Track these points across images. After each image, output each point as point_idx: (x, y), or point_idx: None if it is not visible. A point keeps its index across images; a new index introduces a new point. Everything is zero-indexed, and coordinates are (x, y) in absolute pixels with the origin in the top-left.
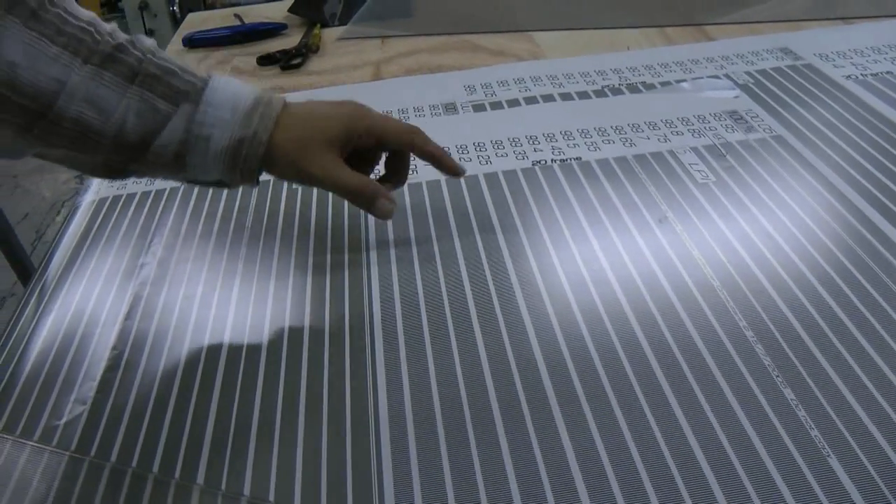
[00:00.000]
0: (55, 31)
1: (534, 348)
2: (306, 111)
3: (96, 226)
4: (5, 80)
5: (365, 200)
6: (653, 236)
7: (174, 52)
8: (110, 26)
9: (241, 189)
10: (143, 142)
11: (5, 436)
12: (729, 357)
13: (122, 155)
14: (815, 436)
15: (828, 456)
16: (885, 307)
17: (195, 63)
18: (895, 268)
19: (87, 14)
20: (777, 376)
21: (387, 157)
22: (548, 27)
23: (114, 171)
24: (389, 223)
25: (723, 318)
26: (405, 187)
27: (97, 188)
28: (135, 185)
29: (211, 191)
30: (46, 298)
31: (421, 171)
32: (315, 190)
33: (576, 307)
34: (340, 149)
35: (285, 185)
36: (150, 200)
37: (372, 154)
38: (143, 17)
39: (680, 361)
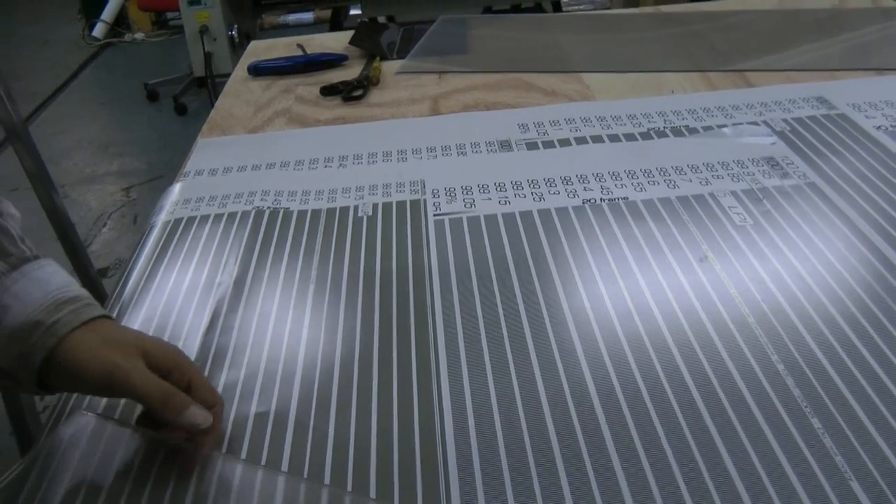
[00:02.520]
0: None
1: (585, 375)
2: (125, 329)
3: (173, 244)
4: None
5: (174, 405)
6: (694, 274)
7: (239, 79)
8: None
9: (308, 218)
10: None
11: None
12: (761, 387)
13: None
14: (839, 461)
15: (850, 480)
16: None
17: (259, 90)
18: None
19: None
20: (805, 406)
21: None
22: (597, 69)
23: None
24: (450, 253)
25: (756, 351)
26: (464, 219)
27: (171, 208)
28: (208, 207)
29: (281, 216)
30: (129, 311)
31: (479, 205)
32: (375, 213)
33: (622, 337)
34: (143, 353)
35: (351, 213)
36: (223, 222)
37: None
38: (202, 40)
39: (717, 389)
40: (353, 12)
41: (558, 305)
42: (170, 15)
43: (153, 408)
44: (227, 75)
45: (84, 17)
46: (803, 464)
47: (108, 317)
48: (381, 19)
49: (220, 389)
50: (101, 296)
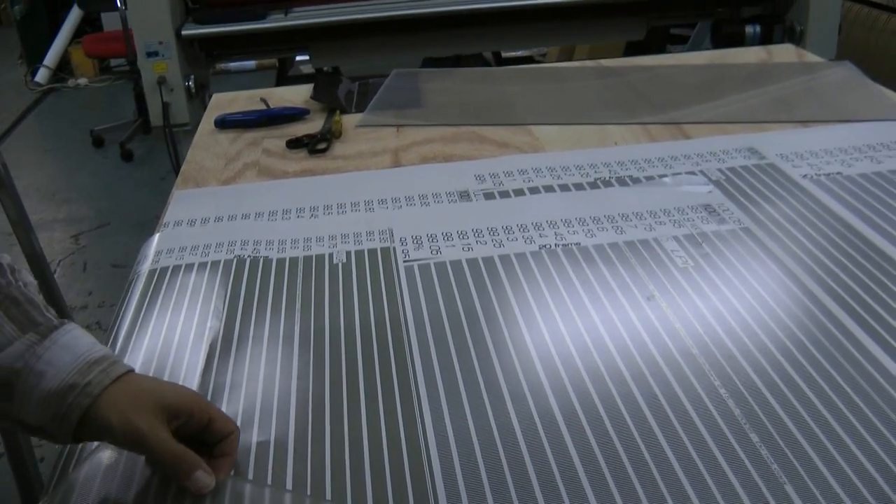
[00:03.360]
0: None
1: (552, 404)
2: (149, 380)
3: (162, 291)
4: None
5: (184, 469)
6: (642, 311)
7: (207, 132)
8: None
9: (287, 266)
10: None
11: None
12: (706, 408)
13: None
14: (775, 469)
15: (784, 484)
16: (831, 370)
17: (227, 143)
18: (839, 341)
19: None
20: (745, 423)
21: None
22: (545, 122)
23: None
24: (422, 296)
25: (701, 378)
26: (432, 264)
27: (155, 257)
28: (191, 256)
29: (261, 263)
30: (127, 354)
31: (445, 252)
32: (349, 260)
33: (582, 368)
34: (169, 420)
35: (327, 261)
36: (207, 270)
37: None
38: (161, 91)
39: (668, 411)
40: (299, 58)
41: (523, 342)
42: (113, 61)
43: (166, 470)
44: (184, 125)
45: (26, 62)
46: (744, 472)
47: (132, 370)
48: (327, 69)
49: None
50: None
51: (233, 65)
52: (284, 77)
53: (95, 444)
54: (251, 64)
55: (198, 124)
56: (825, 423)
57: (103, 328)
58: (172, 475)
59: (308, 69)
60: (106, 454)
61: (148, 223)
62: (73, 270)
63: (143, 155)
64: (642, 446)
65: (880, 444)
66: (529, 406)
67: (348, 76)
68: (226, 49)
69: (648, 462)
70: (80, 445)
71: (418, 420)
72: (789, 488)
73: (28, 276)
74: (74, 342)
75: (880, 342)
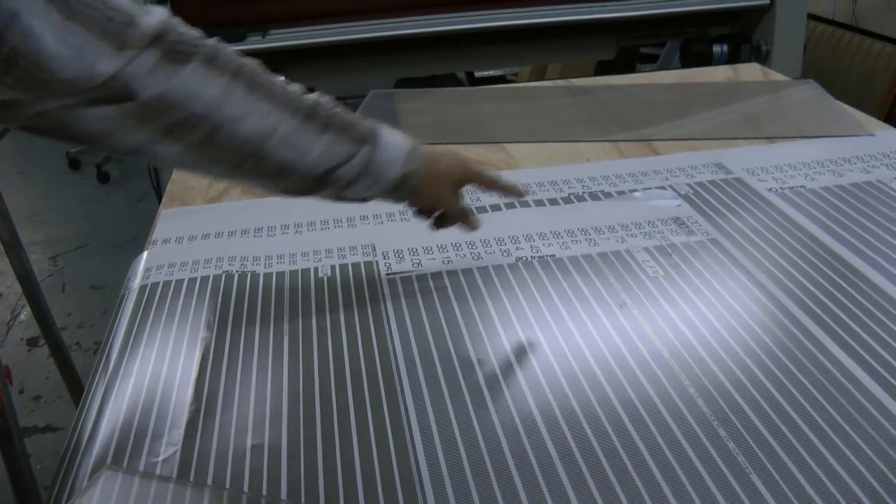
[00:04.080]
0: (266, 92)
1: (532, 407)
2: (439, 153)
3: (154, 305)
4: (227, 131)
5: (466, 216)
6: (616, 319)
7: None
8: (299, 87)
9: (274, 279)
10: (326, 173)
11: (116, 468)
12: (677, 407)
13: (304, 183)
14: (742, 460)
15: (749, 473)
16: (794, 370)
17: None
18: (802, 343)
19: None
20: (713, 420)
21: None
22: (519, 140)
23: (289, 192)
24: (405, 307)
25: (671, 379)
26: (414, 277)
27: (145, 274)
28: (180, 272)
29: (249, 278)
30: (123, 364)
31: (426, 265)
32: (334, 274)
33: (560, 374)
34: (457, 184)
35: (312, 274)
36: (197, 285)
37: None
38: None
39: (641, 412)
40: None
41: (503, 350)
42: None
43: (457, 220)
44: None
45: None
46: (713, 464)
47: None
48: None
49: (215, 429)
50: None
51: None
52: None
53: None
54: None
55: None
56: (788, 418)
57: (83, 348)
58: (462, 221)
59: None
60: (116, 478)
61: (126, 244)
62: (52, 292)
63: (120, 176)
64: (617, 444)
65: (840, 436)
66: (510, 408)
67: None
68: None
69: (623, 458)
70: (81, 448)
71: (405, 425)
72: (755, 478)
73: (324, 97)
74: (395, 143)
75: (841, 343)
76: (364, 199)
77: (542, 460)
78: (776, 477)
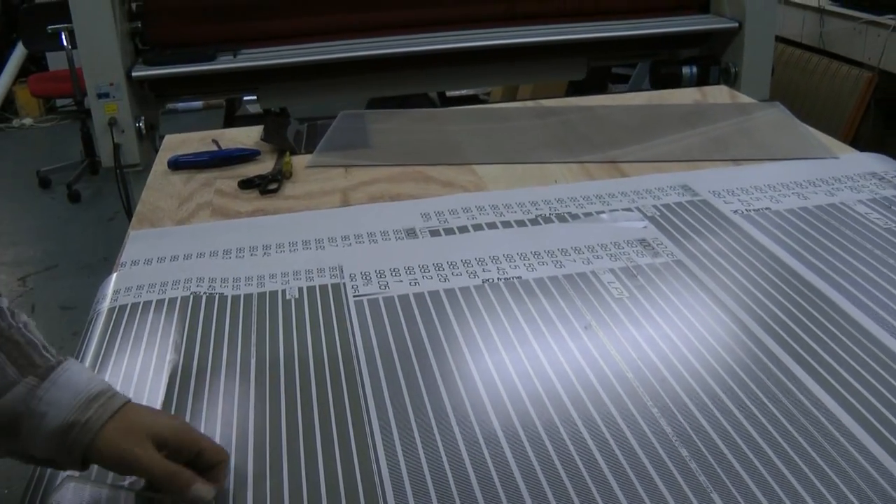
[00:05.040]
0: None
1: (494, 425)
2: (144, 411)
3: (122, 327)
4: None
5: (180, 483)
6: (580, 340)
7: (160, 173)
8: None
9: (242, 302)
10: None
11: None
12: (640, 427)
13: None
14: (703, 481)
15: (711, 492)
16: (756, 390)
17: (180, 184)
18: (764, 363)
19: None
20: (675, 440)
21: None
22: (487, 161)
23: None
24: (371, 330)
25: (634, 399)
26: (381, 299)
27: (114, 296)
28: (148, 294)
29: (217, 300)
30: None
31: (393, 287)
32: (301, 296)
33: (524, 393)
34: (159, 448)
35: (280, 297)
36: (164, 307)
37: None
38: (112, 132)
39: (603, 430)
40: (247, 98)
41: (469, 371)
42: (60, 101)
43: (161, 485)
44: (135, 165)
45: None
46: (675, 483)
47: (128, 401)
48: (275, 109)
49: None
50: None
51: (180, 104)
52: (232, 117)
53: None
54: (198, 103)
55: (148, 164)
56: (749, 437)
57: None
58: (172, 491)
59: (255, 109)
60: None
61: (96, 265)
62: None
63: (91, 196)
64: (580, 463)
65: (801, 456)
66: (475, 430)
67: (296, 117)
68: (176, 90)
69: (586, 477)
70: (48, 472)
71: (370, 445)
72: (715, 497)
73: (24, 316)
74: (73, 380)
75: (803, 364)
76: (48, 458)
77: (505, 481)
78: (737, 496)
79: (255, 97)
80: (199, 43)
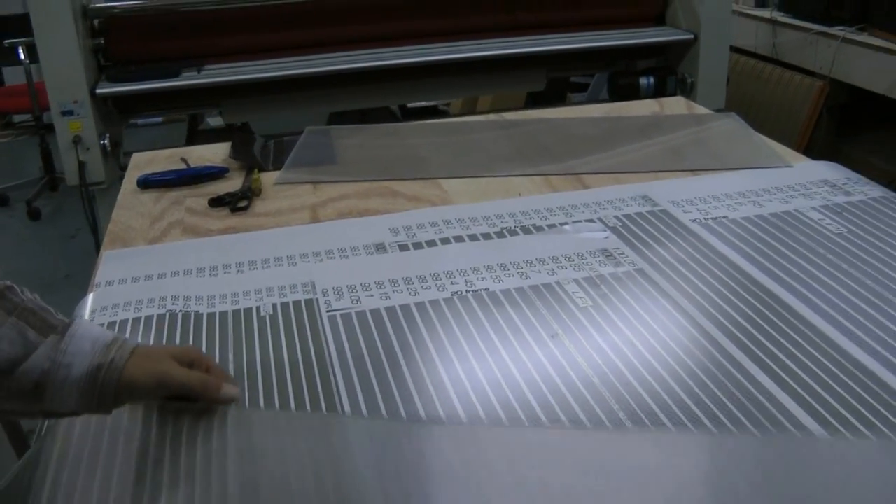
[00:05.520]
0: None
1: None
2: (155, 346)
3: None
4: None
5: (212, 386)
6: (548, 348)
7: (129, 192)
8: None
9: (217, 319)
10: (9, 367)
11: None
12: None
13: None
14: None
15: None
16: (716, 391)
17: (150, 203)
18: (724, 366)
19: None
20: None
21: None
22: (452, 175)
23: None
24: (346, 344)
25: (601, 404)
26: (353, 314)
27: (90, 316)
28: (124, 312)
29: (192, 318)
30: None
31: (364, 301)
32: (275, 312)
33: (495, 401)
34: (180, 356)
35: (255, 314)
36: (141, 325)
37: None
38: (77, 150)
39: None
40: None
41: (441, 381)
42: (17, 116)
43: (196, 392)
44: (99, 183)
45: None
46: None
47: (139, 345)
48: (238, 124)
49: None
50: None
51: (140, 120)
52: (195, 131)
53: None
54: (158, 119)
55: (113, 182)
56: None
57: None
58: (204, 396)
59: (217, 123)
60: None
61: (58, 283)
62: None
63: (51, 213)
64: None
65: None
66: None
67: (259, 132)
68: (140, 106)
69: None
70: None
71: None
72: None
73: (27, 292)
74: (88, 332)
75: (762, 366)
76: (72, 411)
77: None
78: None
79: (218, 113)
80: (163, 59)
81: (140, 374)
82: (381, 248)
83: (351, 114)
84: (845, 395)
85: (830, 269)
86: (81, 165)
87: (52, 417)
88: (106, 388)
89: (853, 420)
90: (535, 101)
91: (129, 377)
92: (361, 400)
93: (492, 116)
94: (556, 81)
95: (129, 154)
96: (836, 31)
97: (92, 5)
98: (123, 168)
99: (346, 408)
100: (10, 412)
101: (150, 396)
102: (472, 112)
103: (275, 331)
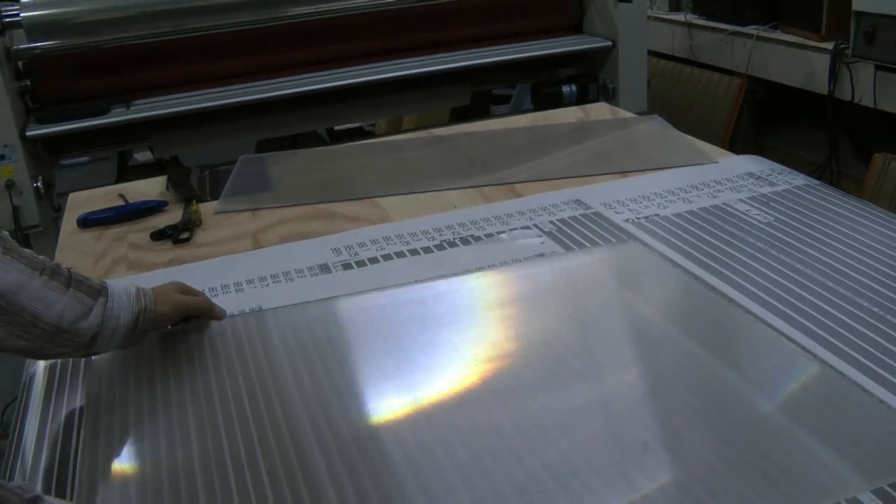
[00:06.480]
0: (18, 255)
1: (424, 440)
2: (163, 286)
3: (55, 385)
4: None
5: (209, 308)
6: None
7: (70, 232)
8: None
9: (168, 348)
10: (72, 325)
11: None
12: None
13: (53, 338)
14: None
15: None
16: (664, 376)
17: (92, 241)
18: (669, 351)
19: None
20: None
21: None
22: (388, 193)
23: (45, 352)
24: (300, 360)
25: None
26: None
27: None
28: None
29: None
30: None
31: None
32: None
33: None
34: (180, 289)
35: (208, 342)
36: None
37: None
38: (10, 195)
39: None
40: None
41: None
42: None
43: (203, 311)
44: (35, 226)
45: None
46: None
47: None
48: (166, 158)
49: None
50: None
51: (65, 161)
52: (125, 167)
53: None
54: (84, 158)
55: (48, 224)
56: (656, 414)
57: None
58: (209, 313)
59: (146, 157)
60: None
61: None
62: None
63: None
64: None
65: (706, 423)
66: (406, 439)
67: (188, 164)
68: (70, 146)
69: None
70: None
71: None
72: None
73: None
74: (118, 288)
75: (700, 343)
76: (113, 349)
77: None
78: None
79: (148, 147)
80: (92, 96)
81: (166, 308)
82: (325, 268)
83: (279, 141)
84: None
85: (761, 255)
86: (16, 210)
87: (91, 356)
88: (145, 325)
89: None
90: (459, 115)
91: (160, 313)
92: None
93: (422, 133)
94: (478, 95)
95: (63, 195)
96: (750, 29)
97: (15, 47)
98: (57, 209)
99: (306, 422)
100: (61, 355)
101: (171, 322)
102: (398, 130)
103: (228, 355)
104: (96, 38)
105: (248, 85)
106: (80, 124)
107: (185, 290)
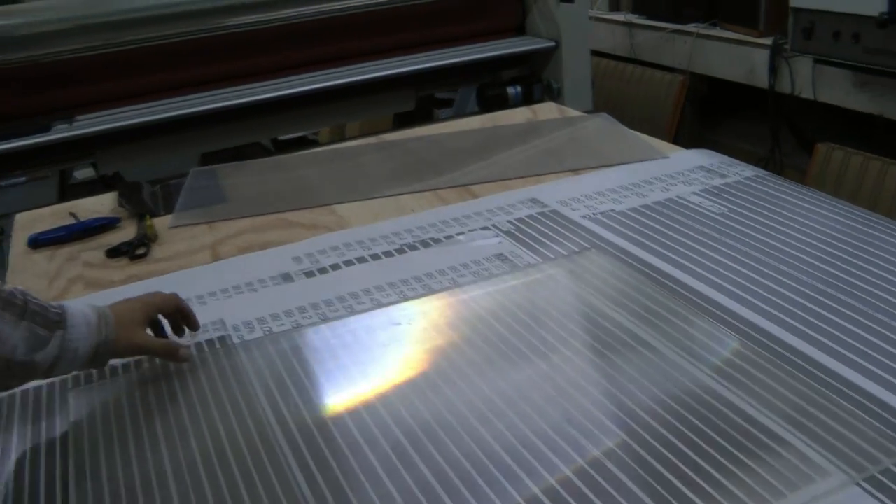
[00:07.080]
0: None
1: (394, 440)
2: (125, 308)
3: (29, 411)
4: None
5: (173, 350)
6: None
7: (20, 254)
8: None
9: (133, 369)
10: (29, 361)
11: None
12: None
13: (6, 372)
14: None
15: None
16: (628, 371)
17: (45, 262)
18: (631, 345)
19: None
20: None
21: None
22: (343, 200)
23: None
24: (265, 369)
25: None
26: (268, 344)
27: None
28: None
29: (108, 370)
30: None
31: (277, 332)
32: (197, 347)
33: (424, 410)
34: (146, 325)
35: None
36: (69, 384)
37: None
38: None
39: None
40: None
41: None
42: None
43: (161, 357)
44: None
45: None
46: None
47: (113, 307)
48: (108, 174)
49: None
50: None
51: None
52: (67, 186)
53: None
54: (21, 178)
55: None
56: (619, 409)
57: None
58: (168, 357)
59: (86, 175)
60: None
61: None
62: None
63: None
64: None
65: (678, 422)
66: (381, 443)
67: (131, 179)
68: (10, 166)
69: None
70: None
71: (285, 468)
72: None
73: (20, 287)
74: (77, 316)
75: (661, 333)
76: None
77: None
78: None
79: (91, 164)
80: (31, 114)
81: (123, 346)
82: (287, 277)
83: (223, 153)
84: (741, 349)
85: (715, 244)
86: None
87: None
88: (103, 357)
89: (747, 367)
90: (402, 121)
91: (120, 347)
92: (292, 424)
93: (372, 139)
94: (422, 99)
95: (4, 216)
96: (690, 27)
97: None
98: (1, 231)
99: (278, 432)
100: (17, 386)
101: (130, 356)
102: (342, 138)
103: (193, 370)
104: (32, 52)
105: (193, 97)
106: (22, 143)
107: (159, 305)
